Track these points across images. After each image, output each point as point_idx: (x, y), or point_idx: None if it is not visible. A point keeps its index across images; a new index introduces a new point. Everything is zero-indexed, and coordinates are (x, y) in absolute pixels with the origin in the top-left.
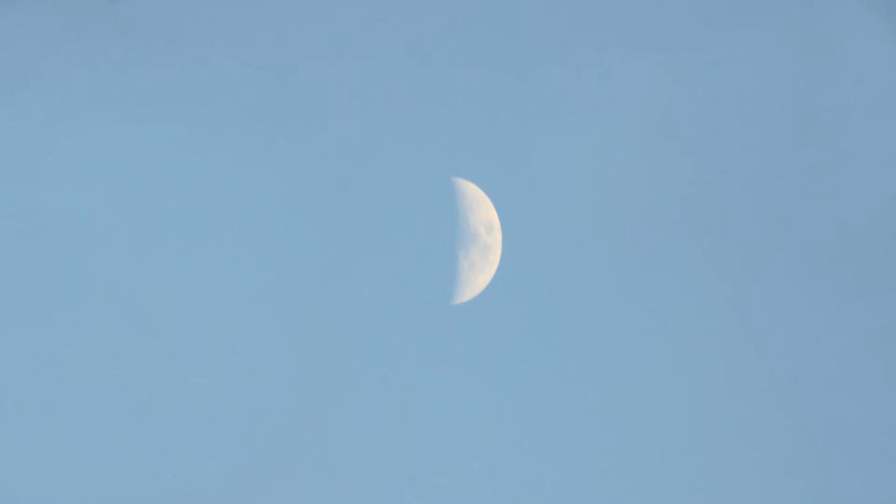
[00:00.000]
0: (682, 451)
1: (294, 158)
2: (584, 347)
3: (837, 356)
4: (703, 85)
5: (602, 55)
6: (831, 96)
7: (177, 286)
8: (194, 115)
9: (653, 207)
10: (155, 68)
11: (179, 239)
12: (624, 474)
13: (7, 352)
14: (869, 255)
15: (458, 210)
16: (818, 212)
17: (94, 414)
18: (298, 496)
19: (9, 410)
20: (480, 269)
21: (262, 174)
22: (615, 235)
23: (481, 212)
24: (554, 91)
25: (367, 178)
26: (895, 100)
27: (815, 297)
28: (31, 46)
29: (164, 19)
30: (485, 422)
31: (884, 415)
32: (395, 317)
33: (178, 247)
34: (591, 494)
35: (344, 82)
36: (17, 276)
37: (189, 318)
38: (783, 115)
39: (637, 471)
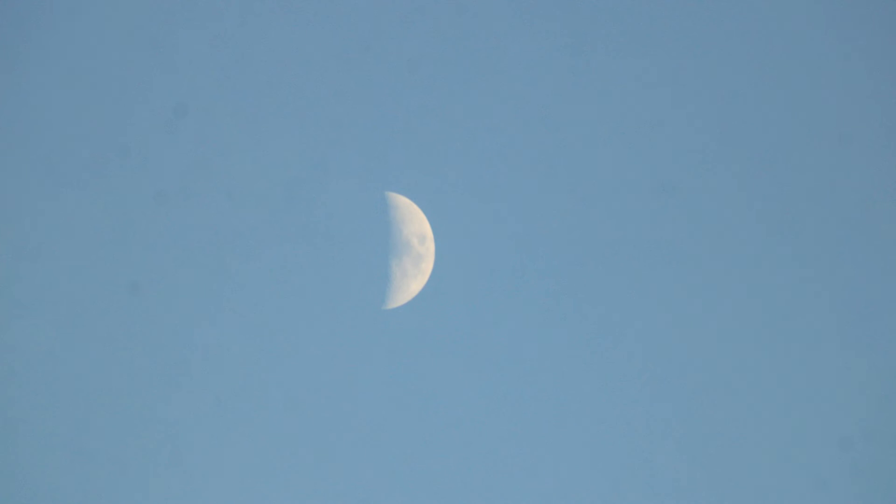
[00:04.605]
0: (681, 451)
1: None
2: (520, 352)
3: (837, 356)
4: (703, 85)
5: (601, 55)
6: (831, 97)
7: None
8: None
9: (651, 207)
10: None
11: None
12: (602, 475)
13: (7, 351)
14: (869, 254)
15: (391, 222)
16: (818, 212)
17: (95, 414)
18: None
19: (9, 410)
20: (413, 277)
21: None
22: (601, 238)
23: (415, 224)
24: (554, 90)
25: (309, 188)
26: (895, 100)
27: (815, 296)
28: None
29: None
30: (411, 422)
31: (884, 415)
32: (328, 320)
33: None
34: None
35: (285, 97)
36: (22, 275)
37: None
38: (784, 116)
39: (634, 471)
